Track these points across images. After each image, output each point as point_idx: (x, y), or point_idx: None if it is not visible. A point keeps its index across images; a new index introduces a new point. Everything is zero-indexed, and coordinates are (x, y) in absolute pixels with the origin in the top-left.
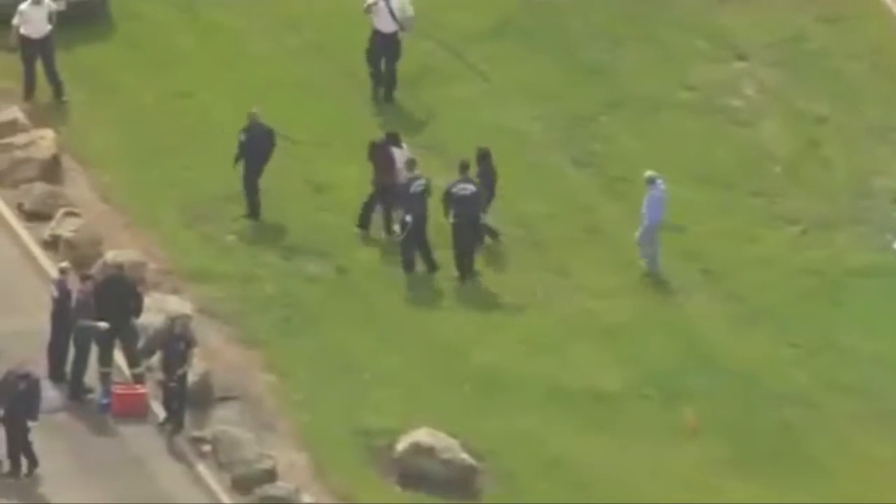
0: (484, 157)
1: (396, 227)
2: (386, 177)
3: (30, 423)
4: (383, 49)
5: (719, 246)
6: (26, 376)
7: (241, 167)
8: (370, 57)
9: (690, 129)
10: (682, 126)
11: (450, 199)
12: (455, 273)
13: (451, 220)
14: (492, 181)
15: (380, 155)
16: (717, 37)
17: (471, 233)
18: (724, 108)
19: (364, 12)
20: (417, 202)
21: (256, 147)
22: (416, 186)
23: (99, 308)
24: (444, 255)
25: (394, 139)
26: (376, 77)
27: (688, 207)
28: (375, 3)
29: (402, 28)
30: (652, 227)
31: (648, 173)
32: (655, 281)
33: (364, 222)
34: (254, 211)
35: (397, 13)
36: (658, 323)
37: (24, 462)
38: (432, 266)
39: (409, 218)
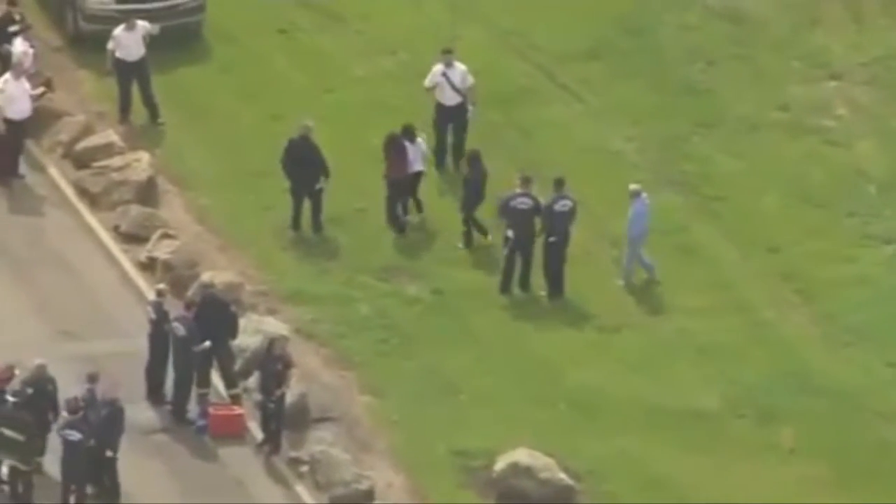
0: (475, 159)
1: (509, 232)
2: (396, 171)
3: (108, 453)
4: (449, 121)
5: (814, 266)
6: (111, 403)
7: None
8: (436, 127)
9: (784, 149)
10: (776, 146)
11: (551, 215)
12: (543, 291)
13: (551, 238)
14: (481, 184)
15: (393, 148)
16: (810, 57)
17: (565, 250)
18: (817, 128)
19: (426, 90)
20: (521, 219)
21: (295, 159)
22: (521, 203)
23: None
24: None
25: (409, 133)
26: (441, 146)
27: (782, 227)
28: (436, 84)
29: (465, 98)
30: (637, 240)
31: (633, 186)
32: (750, 300)
33: (399, 227)
34: (294, 222)
35: (459, 85)
36: (754, 342)
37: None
38: (526, 285)
39: (510, 233)
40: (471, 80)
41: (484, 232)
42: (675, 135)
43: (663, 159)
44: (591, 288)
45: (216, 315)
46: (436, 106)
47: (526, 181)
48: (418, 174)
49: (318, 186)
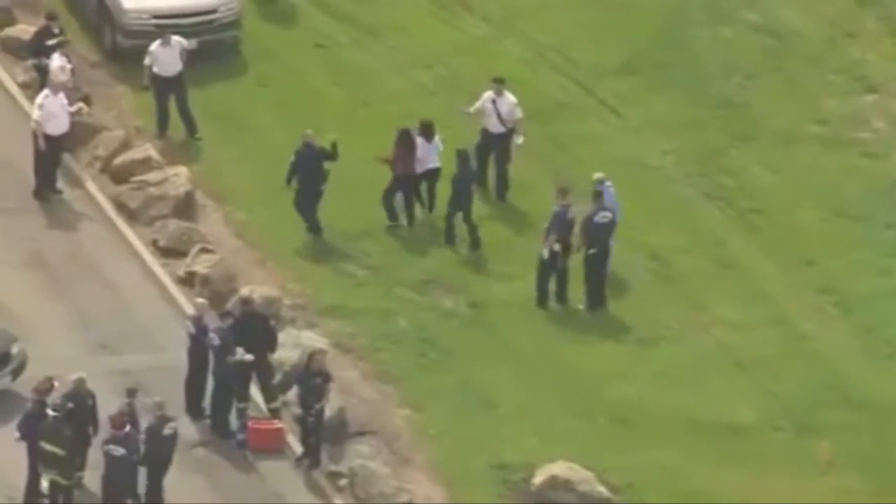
0: (464, 158)
1: (545, 252)
2: (402, 167)
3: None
4: (492, 149)
5: (852, 278)
6: (161, 418)
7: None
8: (478, 154)
9: (822, 162)
10: (813, 159)
11: (591, 227)
12: (581, 304)
13: (591, 250)
14: (470, 184)
15: (402, 144)
16: (847, 70)
17: (606, 261)
18: (854, 140)
19: (468, 114)
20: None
21: (307, 168)
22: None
23: (235, 344)
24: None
25: (427, 130)
26: (482, 171)
27: (820, 240)
28: (483, 110)
29: (511, 130)
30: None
31: (597, 175)
32: (788, 313)
33: (391, 215)
34: (314, 228)
35: (505, 115)
36: (792, 356)
37: None
38: (564, 298)
39: (557, 247)
40: (519, 113)
41: (453, 241)
42: (712, 148)
43: (700, 173)
44: (629, 301)
45: (255, 330)
46: (481, 131)
47: (563, 192)
48: (434, 171)
49: (322, 187)
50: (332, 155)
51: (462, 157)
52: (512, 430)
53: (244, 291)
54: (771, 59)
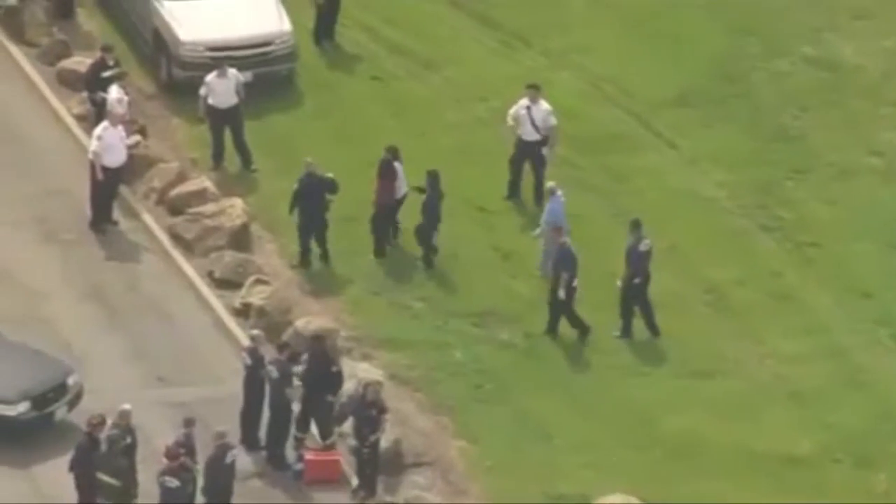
0: (433, 179)
1: (561, 293)
2: (388, 195)
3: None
4: (527, 157)
5: None
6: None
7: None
8: (512, 164)
9: (878, 194)
10: (869, 192)
11: (635, 256)
12: (617, 332)
13: (636, 279)
14: (439, 204)
15: (388, 173)
16: None
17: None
18: None
19: (509, 126)
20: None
21: (309, 196)
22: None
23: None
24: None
25: (399, 155)
26: (514, 184)
27: (877, 272)
28: (516, 116)
29: (545, 138)
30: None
31: (549, 184)
32: (844, 345)
33: (380, 244)
34: (304, 256)
35: (539, 123)
36: (849, 387)
37: None
38: (556, 334)
39: (575, 282)
40: (553, 120)
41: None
42: (769, 181)
43: (756, 205)
44: (684, 333)
45: (320, 369)
46: (516, 140)
47: (558, 231)
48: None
49: (325, 217)
50: (333, 186)
51: (432, 177)
52: (567, 461)
53: (300, 323)
54: (827, 92)
